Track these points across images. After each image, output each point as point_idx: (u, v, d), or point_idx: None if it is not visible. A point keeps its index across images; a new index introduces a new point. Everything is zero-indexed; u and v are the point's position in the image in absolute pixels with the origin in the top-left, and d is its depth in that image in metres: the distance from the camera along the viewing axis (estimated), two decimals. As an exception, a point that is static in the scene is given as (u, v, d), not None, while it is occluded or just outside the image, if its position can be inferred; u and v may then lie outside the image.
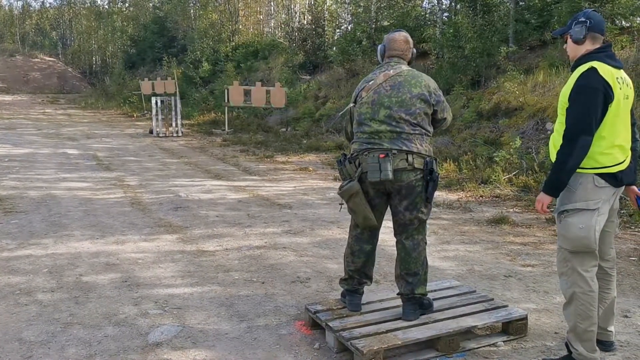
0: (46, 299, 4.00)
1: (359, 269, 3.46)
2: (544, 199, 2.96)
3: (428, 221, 3.45)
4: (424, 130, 3.26)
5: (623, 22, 10.90)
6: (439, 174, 3.31)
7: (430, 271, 3.58)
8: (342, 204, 3.40)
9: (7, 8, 54.97)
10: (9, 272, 4.55)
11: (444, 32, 14.14)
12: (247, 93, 16.60)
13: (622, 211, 5.94)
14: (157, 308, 3.85)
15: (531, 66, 11.57)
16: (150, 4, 39.88)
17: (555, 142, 2.94)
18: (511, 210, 6.79)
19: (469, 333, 3.34)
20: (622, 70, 2.93)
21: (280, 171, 9.95)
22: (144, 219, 6.32)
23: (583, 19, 2.90)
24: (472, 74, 12.53)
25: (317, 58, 20.40)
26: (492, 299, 3.62)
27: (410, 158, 3.18)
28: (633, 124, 3.03)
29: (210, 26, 27.79)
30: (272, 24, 29.94)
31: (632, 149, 3.00)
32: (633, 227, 5.86)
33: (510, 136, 9.45)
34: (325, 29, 21.87)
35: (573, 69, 2.94)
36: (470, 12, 13.02)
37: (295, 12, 26.54)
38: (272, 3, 30.02)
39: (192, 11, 31.05)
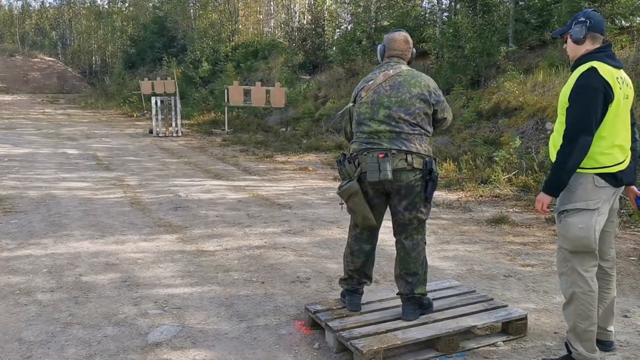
0: (46, 299, 4.00)
1: (358, 269, 3.46)
2: (544, 198, 2.96)
3: (427, 221, 3.45)
4: (423, 130, 3.26)
5: (623, 21, 10.89)
6: (438, 173, 3.31)
7: (429, 271, 3.58)
8: (342, 203, 3.39)
9: (6, 8, 54.99)
10: (9, 272, 4.55)
11: (443, 32, 14.14)
12: (247, 93, 16.60)
13: (622, 211, 5.94)
14: (156, 308, 3.85)
15: (531, 66, 11.57)
16: (150, 4, 39.87)
17: (555, 142, 2.94)
18: (511, 210, 6.79)
19: (468, 333, 3.34)
20: (622, 70, 2.93)
21: (280, 171, 9.95)
22: (144, 219, 6.32)
23: (583, 19, 2.90)
24: (472, 73, 12.53)
25: (317, 58, 20.40)
26: (492, 299, 3.62)
27: (409, 158, 3.18)
28: (633, 124, 3.03)
29: (210, 26, 27.79)
30: (272, 24, 29.94)
31: (632, 149, 3.00)
32: (633, 227, 5.86)
33: (510, 136, 9.45)
34: (325, 28, 21.87)
35: (573, 68, 2.94)
36: (470, 11, 13.02)
37: (295, 12, 26.53)
38: (271, 3, 30.01)
39: (192, 11, 31.04)
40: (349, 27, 21.42)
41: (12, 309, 3.82)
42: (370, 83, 3.34)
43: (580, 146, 2.78)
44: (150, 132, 15.76)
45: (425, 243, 3.38)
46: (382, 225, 3.46)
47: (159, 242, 5.44)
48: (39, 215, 6.47)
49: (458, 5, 15.14)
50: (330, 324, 3.23)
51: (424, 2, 18.47)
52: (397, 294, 3.41)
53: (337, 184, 3.52)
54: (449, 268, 4.70)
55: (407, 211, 3.26)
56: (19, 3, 56.20)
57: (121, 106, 24.91)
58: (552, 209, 3.14)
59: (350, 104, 3.46)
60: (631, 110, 3.01)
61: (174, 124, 15.62)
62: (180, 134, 15.57)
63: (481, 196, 7.52)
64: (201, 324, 3.61)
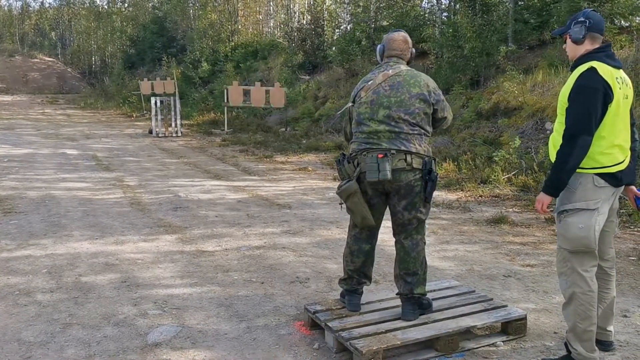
0: (45, 299, 4.00)
1: (358, 269, 3.46)
2: (544, 198, 2.96)
3: (427, 221, 3.45)
4: (422, 130, 3.26)
5: (622, 21, 10.89)
6: (437, 173, 3.31)
7: (429, 271, 3.58)
8: (342, 203, 3.39)
9: (6, 8, 54.99)
10: (8, 272, 4.55)
11: (443, 32, 14.14)
12: (246, 93, 16.60)
13: (622, 211, 5.94)
14: (156, 308, 3.85)
15: (530, 66, 11.57)
16: (150, 4, 39.88)
17: (555, 142, 2.94)
18: (510, 210, 6.80)
19: (468, 333, 3.33)
20: (621, 70, 2.93)
21: (280, 171, 9.95)
22: (144, 219, 6.32)
23: (582, 19, 2.90)
24: (472, 73, 12.53)
25: (317, 58, 20.41)
26: (492, 299, 3.62)
27: (409, 158, 3.18)
28: (632, 124, 3.03)
29: (209, 26, 27.79)
30: (272, 24, 29.93)
31: (632, 149, 3.00)
32: (632, 227, 5.86)
33: (509, 136, 9.45)
34: (325, 28, 21.87)
35: (572, 69, 2.94)
36: (469, 11, 13.01)
37: (295, 12, 26.53)
38: (271, 3, 30.00)
39: (191, 11, 31.04)
40: (348, 27, 21.42)
41: (12, 309, 3.82)
42: (369, 83, 3.34)
43: (580, 146, 2.78)
44: (150, 132, 15.76)
45: (424, 243, 3.38)
46: (381, 225, 3.46)
47: (158, 242, 5.44)
48: (39, 215, 6.46)
49: (457, 5, 15.14)
50: (329, 324, 3.23)
51: (424, 2, 18.49)
52: (397, 294, 3.41)
53: (336, 184, 3.52)
54: (448, 268, 4.70)
55: (407, 211, 3.26)
56: (19, 3, 56.25)
57: (121, 106, 24.92)
58: (552, 209, 3.15)
59: (350, 104, 3.46)
60: (630, 110, 3.01)
61: (173, 124, 15.62)
62: (179, 134, 15.57)
63: (481, 196, 7.52)
64: (201, 324, 3.60)
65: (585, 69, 2.83)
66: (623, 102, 2.88)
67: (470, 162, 8.95)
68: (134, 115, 21.97)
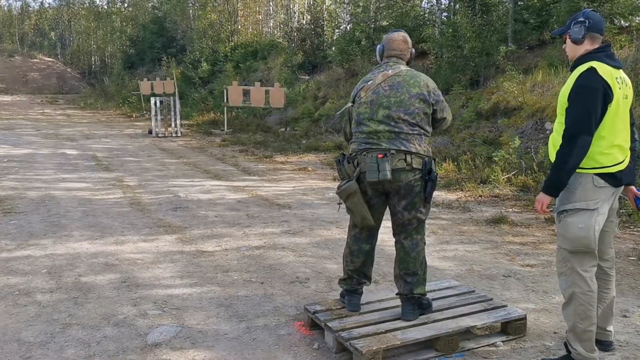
0: (45, 299, 4.00)
1: (357, 269, 3.46)
2: (543, 199, 2.96)
3: (427, 221, 3.45)
4: (422, 131, 3.26)
5: (622, 21, 10.89)
6: (437, 173, 3.31)
7: (429, 271, 3.58)
8: (341, 203, 3.40)
9: (6, 8, 54.98)
10: (8, 272, 4.55)
11: (442, 32, 14.14)
12: (246, 93, 16.60)
13: (621, 211, 5.93)
14: (156, 308, 3.85)
15: (530, 66, 11.57)
16: (149, 4, 39.87)
17: (555, 142, 2.94)
18: (510, 210, 6.80)
19: (468, 333, 3.33)
20: (621, 70, 2.93)
21: (280, 171, 9.95)
22: (143, 220, 6.32)
23: (582, 19, 2.90)
24: (471, 73, 12.53)
25: (316, 58, 20.40)
26: (491, 299, 3.62)
27: (408, 158, 3.18)
28: (632, 124, 3.03)
29: (209, 26, 27.79)
30: (271, 24, 29.93)
31: (632, 149, 3.00)
32: (632, 227, 5.86)
33: (509, 136, 9.45)
34: (324, 29, 21.86)
35: (572, 69, 2.94)
36: (469, 11, 13.01)
37: (294, 12, 26.52)
38: (271, 3, 30.00)
39: (191, 11, 31.04)
40: (348, 27, 21.42)
41: (12, 309, 3.82)
42: (369, 83, 3.34)
43: (579, 146, 2.78)
44: (150, 132, 15.76)
45: (424, 243, 3.38)
46: (381, 225, 3.46)
47: (158, 242, 5.44)
48: (39, 215, 6.46)
49: (457, 5, 15.14)
50: (329, 324, 3.23)
51: (423, 2, 18.48)
52: (397, 294, 3.41)
53: (336, 184, 3.52)
54: (448, 268, 4.70)
55: (407, 211, 3.26)
56: (18, 3, 56.23)
57: (120, 107, 24.91)
58: (551, 209, 3.15)
59: (349, 104, 3.46)
60: (630, 110, 3.01)
61: (173, 125, 15.62)
62: (179, 135, 15.57)
63: (480, 196, 7.53)
64: (200, 324, 3.60)
65: (585, 69, 2.83)
66: (623, 102, 2.88)
67: (470, 162, 8.95)
68: (134, 116, 21.97)
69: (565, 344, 3.02)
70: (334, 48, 19.17)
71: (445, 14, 16.36)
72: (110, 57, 43.30)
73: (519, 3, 13.45)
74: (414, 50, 3.50)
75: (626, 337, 3.38)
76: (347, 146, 3.51)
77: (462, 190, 7.90)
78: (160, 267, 4.72)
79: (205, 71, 24.48)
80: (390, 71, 3.32)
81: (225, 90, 16.65)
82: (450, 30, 13.10)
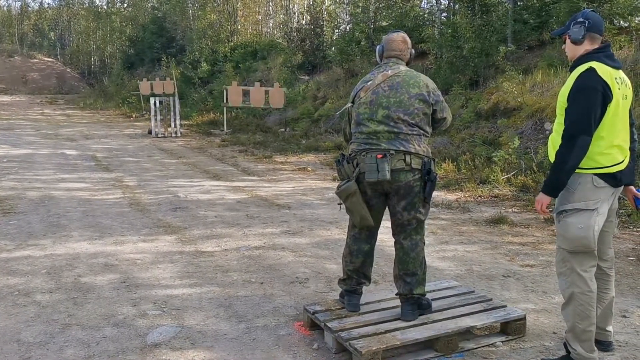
0: (45, 299, 4.00)
1: (357, 269, 3.46)
2: (543, 199, 2.97)
3: (426, 221, 3.45)
4: (422, 131, 3.26)
5: (621, 22, 10.89)
6: (437, 174, 3.31)
7: (428, 271, 3.58)
8: (341, 203, 3.40)
9: (5, 9, 54.99)
10: (8, 273, 4.55)
11: (442, 32, 14.15)
12: (245, 93, 16.59)
13: (621, 211, 5.94)
14: (155, 309, 3.85)
15: (530, 66, 11.58)
16: (149, 4, 39.85)
17: (554, 142, 2.94)
18: (510, 210, 6.80)
19: (467, 333, 3.34)
20: (620, 71, 2.93)
21: (279, 171, 9.95)
22: (143, 220, 6.32)
23: (582, 19, 2.90)
24: (471, 74, 12.53)
25: (316, 58, 20.41)
26: (491, 299, 3.62)
27: (408, 158, 3.18)
28: (631, 124, 3.03)
29: (208, 26, 27.80)
30: (271, 25, 29.93)
31: (631, 149, 3.00)
32: (631, 227, 5.86)
33: (508, 136, 9.46)
34: (324, 29, 21.86)
35: (572, 69, 2.94)
36: (468, 12, 13.02)
37: (294, 13, 26.53)
38: (270, 3, 30.00)
39: (190, 11, 31.03)
40: (347, 28, 21.43)
41: (11, 310, 3.82)
42: (369, 83, 3.34)
43: (579, 146, 2.78)
44: (149, 132, 15.76)
45: (424, 243, 3.38)
46: (381, 225, 3.46)
47: (158, 242, 5.44)
48: (38, 216, 6.46)
49: (457, 6, 15.15)
50: (329, 324, 3.23)
51: (423, 3, 18.49)
52: (396, 294, 3.41)
53: (336, 185, 3.53)
54: (447, 268, 4.70)
55: (406, 211, 3.26)
56: (18, 4, 56.20)
57: (120, 107, 24.92)
58: (551, 210, 3.15)
59: (349, 105, 3.47)
60: (630, 111, 3.01)
61: (172, 125, 15.62)
62: (179, 135, 15.57)
63: (480, 196, 7.53)
64: (200, 324, 3.60)
65: (585, 69, 2.83)
66: (622, 102, 2.88)
67: (470, 163, 8.95)
68: (134, 116, 21.97)
69: (565, 344, 3.02)
70: (333, 48, 19.17)
71: (444, 14, 16.37)
72: (109, 57, 43.32)
73: (519, 3, 13.45)
74: (413, 51, 3.50)
75: (625, 337, 3.38)
76: (347, 146, 3.51)
77: (461, 190, 7.90)
78: (159, 267, 4.72)
79: (204, 71, 24.48)
80: (389, 71, 3.32)
81: (224, 91, 16.64)
82: (450, 31, 13.10)
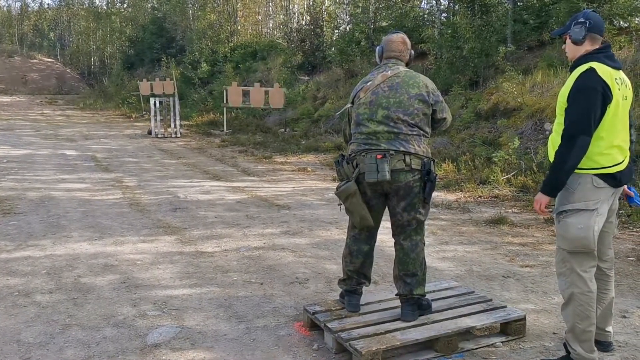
0: (44, 300, 4.00)
1: (357, 270, 3.46)
2: (541, 199, 2.97)
3: (426, 222, 3.45)
4: (421, 131, 3.27)
5: (621, 22, 10.90)
6: (436, 174, 3.31)
7: (428, 272, 3.58)
8: (341, 204, 3.40)
9: (5, 9, 54.98)
10: (8, 273, 4.55)
11: (442, 33, 14.15)
12: (245, 94, 16.60)
13: (621, 212, 5.94)
14: (155, 309, 3.85)
15: (529, 66, 11.58)
16: (149, 5, 39.85)
17: (554, 142, 2.94)
18: (510, 210, 6.80)
19: (467, 334, 3.34)
20: (621, 71, 2.93)
21: (279, 172, 9.95)
22: (143, 220, 6.32)
23: (582, 20, 2.90)
24: (471, 74, 12.53)
25: (316, 59, 20.40)
26: (491, 300, 3.62)
27: (407, 159, 3.18)
28: (630, 126, 3.03)
29: (208, 27, 27.80)
30: (271, 25, 29.93)
31: (629, 150, 3.00)
32: (631, 228, 5.86)
33: (508, 136, 9.46)
34: (324, 29, 21.86)
35: (572, 69, 2.94)
36: (468, 12, 13.03)
37: (294, 13, 26.53)
38: (270, 4, 30.00)
39: (190, 12, 31.04)
40: (347, 28, 21.42)
41: (11, 310, 3.82)
42: (368, 84, 3.34)
43: (578, 146, 2.78)
44: (149, 133, 15.76)
45: (424, 244, 3.38)
46: (381, 225, 3.46)
47: (157, 243, 5.44)
48: (38, 216, 6.46)
49: (457, 6, 15.15)
50: (329, 324, 3.23)
51: (423, 3, 18.48)
52: (396, 294, 3.41)
53: (335, 185, 3.53)
54: (447, 269, 4.70)
55: (406, 212, 3.27)
56: (18, 4, 56.19)
57: (120, 107, 24.92)
58: (550, 210, 3.15)
59: (349, 105, 3.47)
60: (629, 111, 3.01)
61: (172, 125, 15.62)
62: (179, 135, 15.57)
63: (480, 197, 7.53)
64: (200, 325, 3.60)
65: (585, 69, 2.83)
66: (622, 103, 2.88)
67: (470, 163, 8.95)
68: (133, 116, 21.96)
69: (565, 345, 3.02)
70: (333, 49, 19.17)
71: (444, 14, 16.37)
72: (109, 57, 43.32)
73: (518, 4, 13.45)
74: (413, 52, 3.51)
75: (625, 337, 3.38)
76: (347, 147, 3.51)
77: (461, 190, 7.90)
78: (159, 267, 4.72)
79: (204, 72, 24.48)
80: (389, 72, 3.32)
81: (224, 91, 16.64)
82: (450, 31, 13.11)
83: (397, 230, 3.34)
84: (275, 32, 28.46)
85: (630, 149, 2.99)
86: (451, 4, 16.32)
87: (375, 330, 3.14)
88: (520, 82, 10.57)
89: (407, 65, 3.45)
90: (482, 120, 10.92)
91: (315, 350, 3.26)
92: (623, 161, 2.90)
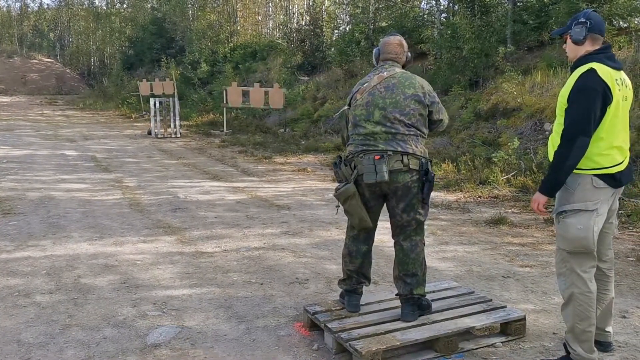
0: (45, 300, 4.00)
1: (356, 269, 3.47)
2: (539, 198, 2.98)
3: (426, 222, 3.45)
4: (418, 132, 3.28)
5: (621, 22, 10.92)
6: (434, 174, 3.31)
7: (428, 272, 3.58)
8: (339, 206, 3.41)
9: (5, 9, 54.96)
10: (8, 273, 4.55)
11: (442, 33, 14.16)
12: (245, 94, 16.60)
13: (620, 212, 5.94)
14: (155, 309, 3.85)
15: (529, 67, 11.59)
16: (149, 5, 39.87)
17: (554, 142, 2.95)
18: (509, 210, 6.80)
19: (467, 334, 3.34)
20: (621, 72, 2.93)
21: (279, 172, 9.96)
22: (143, 221, 6.32)
23: (583, 20, 2.90)
24: (470, 74, 12.54)
25: (316, 59, 20.42)
26: (491, 300, 3.62)
27: (405, 159, 3.18)
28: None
29: (208, 27, 27.81)
30: (271, 25, 29.96)
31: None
32: (631, 228, 5.87)
33: (508, 137, 9.47)
34: (324, 29, 21.88)
35: (572, 69, 2.94)
36: (468, 12, 13.04)
37: (294, 13, 26.55)
38: (270, 4, 30.03)
39: (190, 12, 31.05)
40: (347, 28, 21.45)
41: (11, 310, 3.82)
42: (365, 86, 3.36)
43: (577, 147, 2.79)
44: (149, 133, 15.76)
45: (424, 244, 3.38)
46: (381, 226, 3.47)
47: (157, 243, 5.44)
48: (38, 216, 6.46)
49: (456, 6, 15.16)
50: (329, 325, 3.23)
51: (422, 3, 18.50)
52: (396, 294, 3.41)
53: (335, 185, 3.53)
54: (447, 269, 4.70)
55: (405, 213, 3.27)
56: (17, 4, 56.16)
57: (120, 107, 24.92)
58: (549, 210, 3.15)
59: (346, 107, 3.49)
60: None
61: (172, 125, 15.62)
62: (178, 135, 15.57)
63: (480, 197, 7.53)
64: (200, 325, 3.61)
65: (585, 70, 2.83)
66: (622, 103, 2.88)
67: (469, 163, 8.96)
68: (133, 116, 21.96)
69: (565, 345, 3.02)
70: (333, 49, 19.18)
71: (444, 14, 16.38)
72: (109, 57, 43.32)
73: (518, 4, 13.47)
74: (410, 54, 3.52)
75: (625, 337, 3.39)
76: (345, 149, 3.51)
77: (461, 191, 7.91)
78: (159, 268, 4.72)
79: (204, 72, 24.48)
80: (385, 73, 3.34)
81: (224, 91, 16.64)
82: (450, 31, 13.12)
83: (397, 231, 3.35)
84: (275, 33, 28.49)
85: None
86: (451, 4, 16.34)
87: (375, 330, 3.14)
88: (519, 83, 10.59)
89: (404, 67, 3.47)
90: (482, 121, 10.93)
91: (315, 350, 3.26)
92: (623, 162, 2.90)
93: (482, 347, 3.26)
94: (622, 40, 10.18)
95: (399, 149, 3.19)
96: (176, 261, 4.90)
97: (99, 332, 3.50)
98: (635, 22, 10.97)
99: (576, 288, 2.89)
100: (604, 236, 3.03)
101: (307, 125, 15.47)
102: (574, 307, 2.90)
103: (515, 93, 10.46)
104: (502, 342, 3.31)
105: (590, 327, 2.89)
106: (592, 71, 2.80)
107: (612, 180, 2.87)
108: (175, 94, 16.85)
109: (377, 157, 3.17)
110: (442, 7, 16.45)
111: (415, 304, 3.31)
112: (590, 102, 2.78)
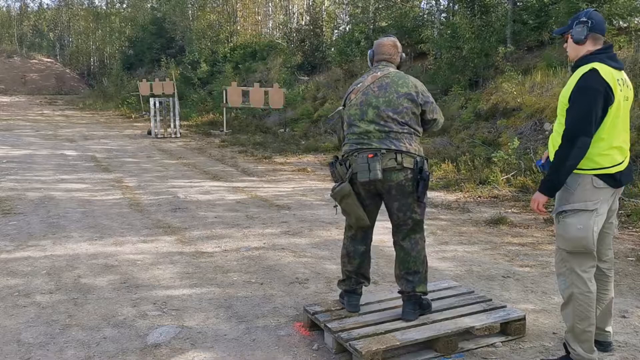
0: (45, 300, 4.00)
1: (355, 270, 3.47)
2: (539, 198, 2.98)
3: (426, 221, 3.45)
4: (412, 130, 3.28)
5: (621, 22, 10.92)
6: (429, 172, 3.32)
7: (428, 272, 3.58)
8: (337, 205, 3.42)
9: (4, 9, 54.94)
10: (7, 273, 4.55)
11: (442, 33, 14.16)
12: (245, 94, 16.60)
13: (620, 212, 5.94)
14: (155, 309, 3.85)
15: (529, 67, 11.59)
16: (148, 5, 39.86)
17: (555, 142, 2.94)
18: (509, 210, 6.80)
19: (467, 333, 3.34)
20: (623, 72, 2.93)
21: (279, 172, 9.96)
22: (143, 220, 6.32)
23: (584, 19, 2.89)
24: (470, 74, 12.55)
25: (315, 59, 20.42)
26: (491, 300, 3.62)
27: (399, 157, 3.19)
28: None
29: (208, 27, 27.80)
30: (271, 25, 29.96)
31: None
32: (631, 228, 5.87)
33: (508, 136, 9.47)
34: (324, 29, 21.88)
35: (574, 69, 2.93)
36: (468, 12, 13.04)
37: (294, 13, 26.55)
38: (270, 4, 30.02)
39: (190, 12, 31.04)
40: (347, 28, 21.44)
41: (11, 310, 3.82)
42: (359, 86, 3.39)
43: (578, 147, 2.78)
44: (149, 133, 15.76)
45: (424, 241, 3.39)
46: (381, 225, 3.47)
47: (157, 243, 5.44)
48: (38, 216, 6.46)
49: (456, 6, 15.16)
50: (329, 325, 3.23)
51: (422, 3, 18.50)
52: (398, 292, 3.41)
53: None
54: (447, 269, 4.70)
55: (401, 212, 3.28)
56: (17, 4, 56.16)
57: (119, 107, 24.91)
58: (549, 209, 3.15)
59: (341, 108, 3.51)
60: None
61: (172, 125, 15.62)
62: (178, 135, 15.56)
63: (480, 197, 7.53)
64: (200, 325, 3.61)
65: (587, 70, 2.82)
66: (623, 103, 2.88)
67: (469, 163, 8.96)
68: (133, 116, 21.96)
69: (564, 345, 3.02)
70: (333, 49, 19.18)
71: (444, 14, 16.38)
72: (109, 57, 43.30)
73: (518, 4, 13.47)
74: (404, 55, 3.55)
75: (625, 337, 3.39)
76: (341, 149, 3.53)
77: (461, 191, 7.91)
78: (159, 268, 4.73)
79: (204, 72, 24.48)
80: (379, 73, 3.37)
81: (224, 91, 16.64)
82: (449, 31, 13.12)
83: (396, 230, 3.36)
84: (274, 32, 28.48)
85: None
86: (451, 4, 16.34)
87: (375, 330, 3.15)
88: (519, 83, 10.59)
89: (398, 67, 3.49)
90: (482, 121, 10.93)
91: (315, 350, 3.26)
92: (623, 162, 2.90)
93: (482, 347, 3.26)
94: (622, 40, 10.17)
95: (393, 147, 3.21)
96: (176, 261, 4.90)
97: (99, 332, 3.50)
98: (635, 22, 10.97)
99: (576, 288, 2.89)
100: (604, 236, 3.03)
101: (307, 125, 15.48)
102: (573, 307, 2.90)
103: (515, 93, 10.46)
104: (502, 342, 3.32)
105: (590, 327, 2.89)
106: (594, 71, 2.80)
107: (612, 180, 2.87)
108: (175, 94, 16.84)
109: (370, 156, 3.18)
110: (442, 7, 16.45)
111: (416, 303, 3.31)
112: (592, 103, 2.77)
